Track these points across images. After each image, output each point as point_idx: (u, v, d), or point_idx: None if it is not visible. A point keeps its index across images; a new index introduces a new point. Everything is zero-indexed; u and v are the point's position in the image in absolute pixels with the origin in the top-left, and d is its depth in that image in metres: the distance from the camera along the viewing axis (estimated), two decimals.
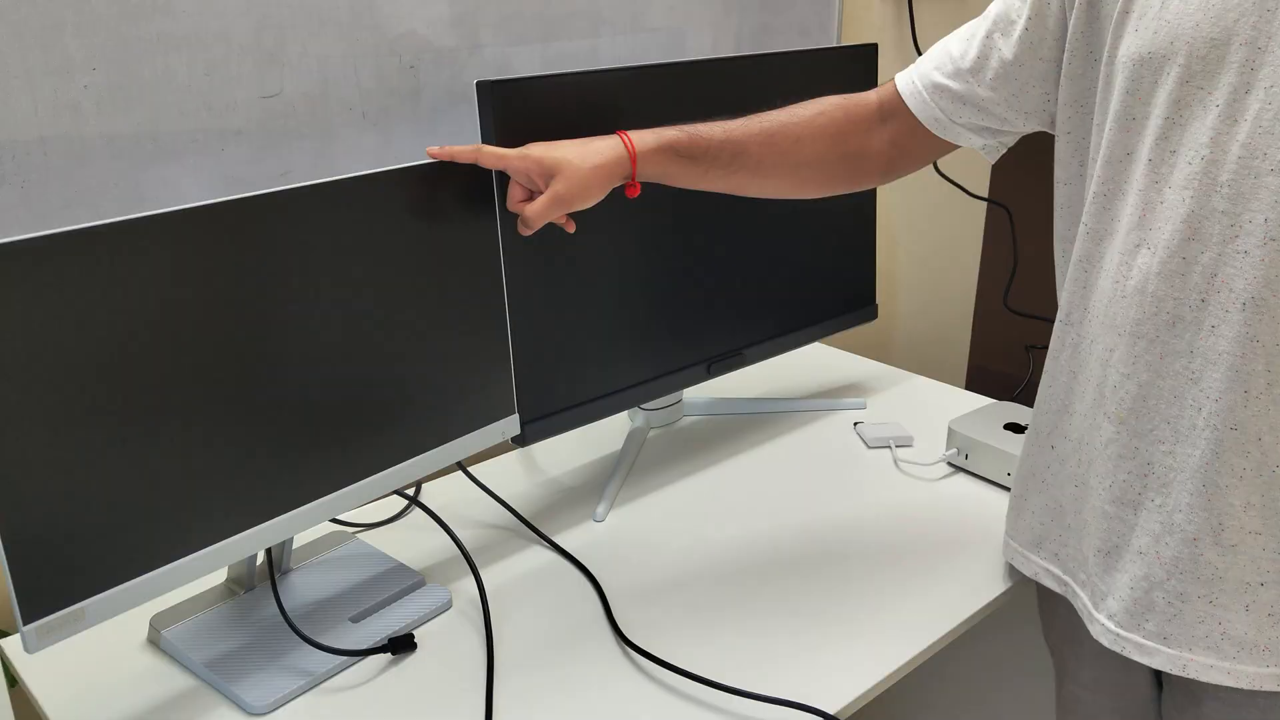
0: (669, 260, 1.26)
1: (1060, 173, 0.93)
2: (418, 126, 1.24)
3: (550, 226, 1.12)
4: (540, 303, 1.15)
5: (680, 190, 1.24)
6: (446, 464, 1.07)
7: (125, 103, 1.02)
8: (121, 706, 0.92)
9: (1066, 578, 0.95)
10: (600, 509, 1.21)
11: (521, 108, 1.09)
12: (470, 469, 1.34)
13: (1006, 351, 1.74)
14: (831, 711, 0.89)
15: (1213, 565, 0.81)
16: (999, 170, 1.67)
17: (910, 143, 1.03)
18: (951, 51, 0.98)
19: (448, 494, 1.28)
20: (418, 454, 1.04)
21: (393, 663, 0.97)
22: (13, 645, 1.02)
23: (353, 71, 1.16)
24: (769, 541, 1.14)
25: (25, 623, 0.79)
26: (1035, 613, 1.35)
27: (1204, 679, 0.83)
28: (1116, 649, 0.87)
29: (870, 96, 1.04)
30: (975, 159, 1.70)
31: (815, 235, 1.42)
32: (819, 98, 1.05)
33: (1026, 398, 1.71)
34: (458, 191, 1.02)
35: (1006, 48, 0.93)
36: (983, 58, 0.95)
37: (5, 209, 0.98)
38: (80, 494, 0.81)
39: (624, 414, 1.47)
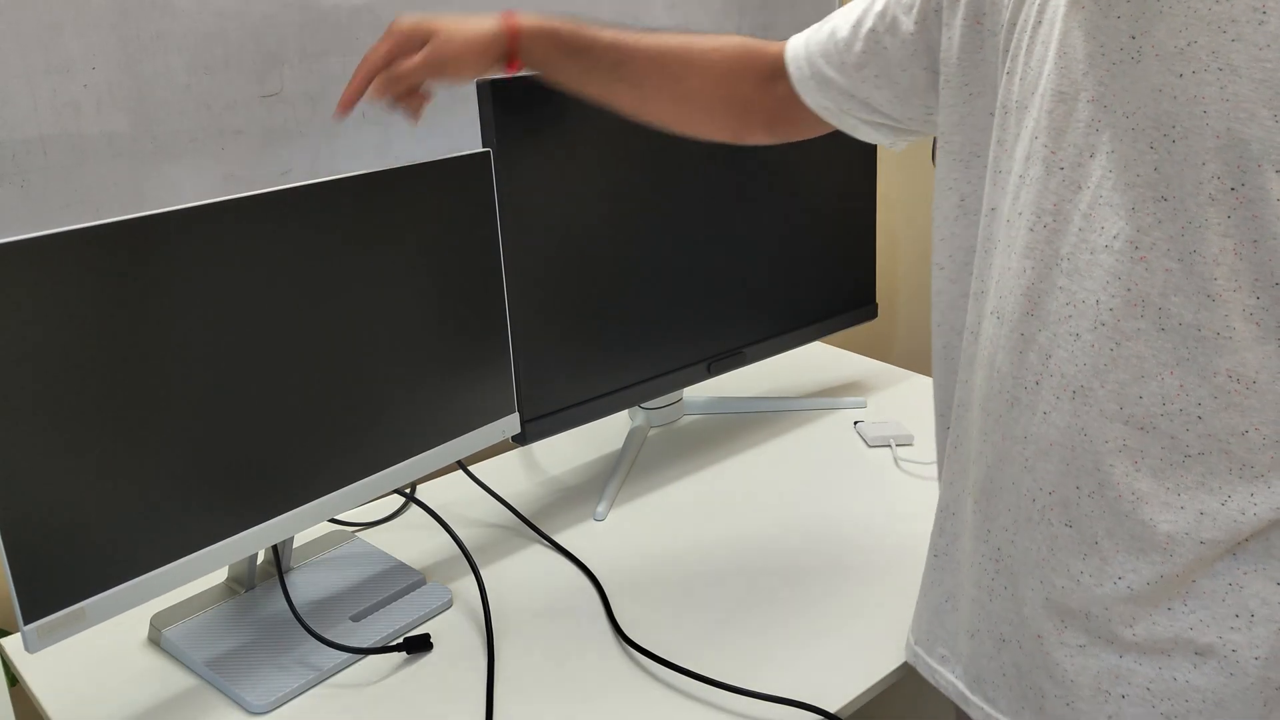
0: (669, 259, 1.26)
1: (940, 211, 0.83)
2: (418, 126, 1.24)
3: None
4: (540, 302, 1.15)
5: (680, 188, 1.24)
6: (447, 463, 1.07)
7: (125, 103, 1.02)
8: (122, 706, 0.92)
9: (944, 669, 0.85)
10: (600, 508, 1.21)
11: (521, 107, 1.09)
12: (470, 468, 1.34)
13: None
14: (832, 710, 0.89)
15: (1062, 667, 0.72)
16: None
17: (797, 116, 0.95)
18: (839, 38, 0.88)
19: (448, 493, 1.28)
20: (418, 453, 1.04)
21: (393, 662, 0.97)
22: (13, 645, 1.02)
23: (353, 71, 1.16)
24: (769, 540, 1.14)
25: (26, 622, 0.79)
26: None
27: None
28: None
29: (771, 49, 0.95)
30: None
31: (815, 234, 1.42)
32: (724, 34, 0.97)
33: None
34: (458, 191, 1.02)
35: (893, 46, 0.84)
36: (867, 54, 0.86)
37: (5, 209, 0.98)
38: (80, 494, 0.81)
39: (624, 413, 1.47)
